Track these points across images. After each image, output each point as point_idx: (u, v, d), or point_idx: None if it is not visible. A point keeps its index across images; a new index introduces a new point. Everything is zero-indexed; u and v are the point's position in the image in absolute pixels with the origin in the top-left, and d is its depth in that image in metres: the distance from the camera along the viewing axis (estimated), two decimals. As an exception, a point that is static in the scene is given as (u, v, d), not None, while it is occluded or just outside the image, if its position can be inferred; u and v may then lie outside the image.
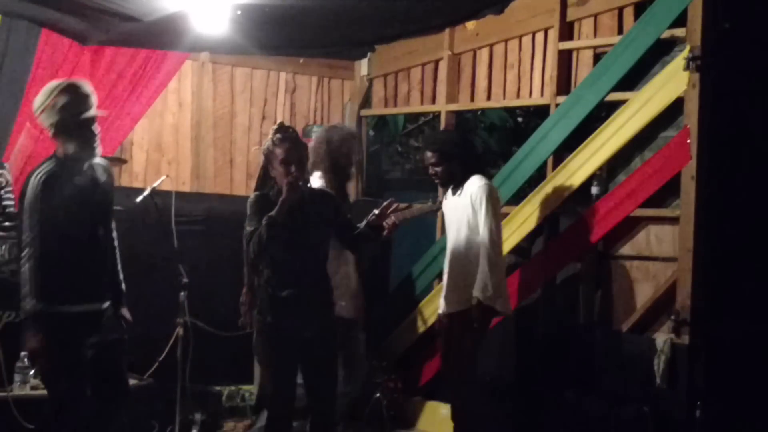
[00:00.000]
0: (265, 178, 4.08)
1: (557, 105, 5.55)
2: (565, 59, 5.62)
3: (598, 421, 4.84)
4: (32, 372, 4.57)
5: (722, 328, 4.77)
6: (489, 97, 6.13)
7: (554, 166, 5.52)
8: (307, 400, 4.17)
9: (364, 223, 4.04)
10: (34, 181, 3.76)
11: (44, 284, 3.72)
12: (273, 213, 3.81)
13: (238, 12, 4.96)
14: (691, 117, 4.86)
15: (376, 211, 3.98)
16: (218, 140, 6.54)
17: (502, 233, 4.93)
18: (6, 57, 5.42)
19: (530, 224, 5.55)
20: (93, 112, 3.91)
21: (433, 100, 6.47)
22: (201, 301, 5.01)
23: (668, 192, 5.04)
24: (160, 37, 5.57)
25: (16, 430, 4.30)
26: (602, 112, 5.61)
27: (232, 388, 5.74)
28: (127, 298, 4.15)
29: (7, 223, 4.84)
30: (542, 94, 5.74)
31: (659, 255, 5.14)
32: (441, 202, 5.16)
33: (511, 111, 7.77)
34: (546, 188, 5.48)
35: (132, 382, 4.92)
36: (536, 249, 5.77)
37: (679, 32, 4.98)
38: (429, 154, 4.88)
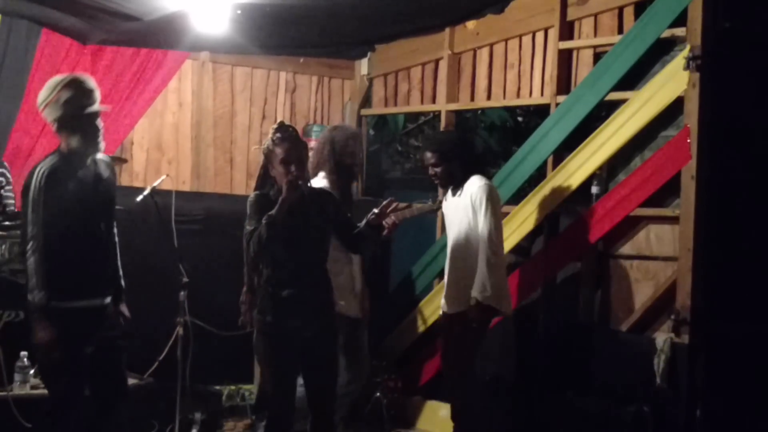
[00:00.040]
0: (265, 178, 4.08)
1: (557, 104, 5.55)
2: (565, 59, 5.63)
3: (598, 420, 4.84)
4: (32, 371, 4.57)
5: (722, 327, 4.76)
6: (489, 97, 6.13)
7: (554, 166, 5.52)
8: (307, 400, 4.17)
9: (363, 222, 4.03)
10: (37, 175, 3.77)
11: (47, 279, 3.73)
12: (273, 212, 3.81)
13: (239, 11, 4.96)
14: (691, 116, 4.86)
15: (375, 211, 3.98)
16: (218, 140, 6.54)
17: (503, 233, 4.93)
18: (6, 56, 5.43)
19: (530, 223, 5.55)
20: (97, 106, 3.92)
21: (434, 100, 6.47)
22: (201, 301, 5.00)
23: (668, 191, 5.04)
24: (160, 37, 5.57)
25: (16, 430, 4.30)
26: (602, 111, 5.61)
27: (232, 387, 5.74)
28: (127, 297, 4.15)
29: (7, 223, 4.83)
30: (542, 94, 5.74)
31: (659, 254, 5.14)
32: (441, 202, 5.16)
33: (511, 110, 7.77)
34: (546, 188, 5.49)
35: (132, 381, 4.92)
36: (536, 248, 5.77)
37: (680, 32, 4.98)
38: (429, 154, 4.88)
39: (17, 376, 4.54)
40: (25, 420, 4.30)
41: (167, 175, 5.02)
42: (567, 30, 5.62)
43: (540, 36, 5.78)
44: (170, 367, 4.77)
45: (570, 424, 4.96)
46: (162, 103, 6.29)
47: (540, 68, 5.77)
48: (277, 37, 5.86)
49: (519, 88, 5.93)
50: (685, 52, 4.84)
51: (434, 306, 5.88)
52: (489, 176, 5.07)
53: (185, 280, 4.66)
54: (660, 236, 5.15)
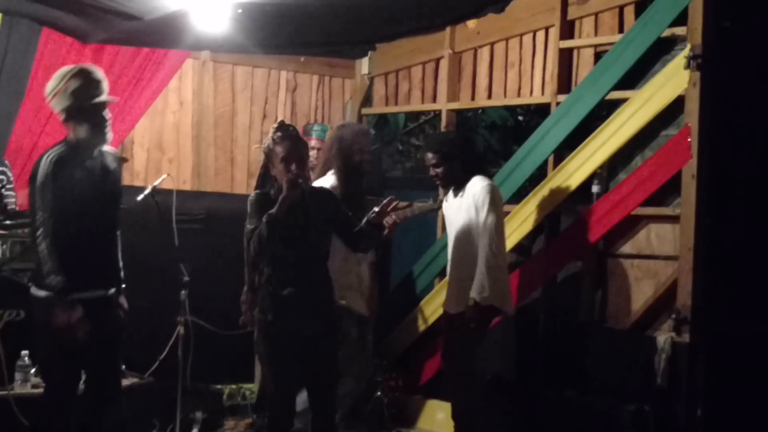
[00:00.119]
0: (265, 177, 4.09)
1: (558, 104, 5.55)
2: (565, 58, 5.62)
3: (599, 419, 4.84)
4: (33, 370, 4.57)
5: (723, 326, 4.77)
6: (490, 96, 6.13)
7: (555, 165, 5.52)
8: (308, 399, 4.17)
9: (364, 221, 4.03)
10: (45, 162, 3.79)
11: (61, 262, 3.75)
12: (273, 211, 3.81)
13: (239, 11, 4.96)
14: (691, 115, 4.86)
15: (376, 209, 3.97)
16: (219, 139, 6.54)
17: (505, 233, 4.93)
18: (7, 55, 5.43)
19: (531, 223, 5.55)
20: (104, 97, 3.94)
21: (434, 99, 6.47)
22: (202, 300, 5.01)
23: (669, 190, 5.04)
24: (161, 36, 5.57)
25: (17, 429, 4.30)
26: (603, 110, 5.60)
27: (233, 386, 5.75)
28: (129, 297, 4.17)
29: (7, 222, 4.84)
30: (543, 93, 5.74)
31: (660, 254, 5.14)
32: (441, 201, 5.16)
33: (511, 109, 7.77)
34: (547, 187, 5.48)
35: (133, 380, 4.95)
36: (537, 248, 5.77)
37: (680, 31, 4.98)
38: (430, 155, 4.88)
39: (18, 375, 4.54)
40: (27, 419, 4.30)
41: (168, 175, 5.02)
42: (568, 29, 5.62)
43: (541, 35, 5.78)
44: (171, 366, 4.78)
45: (570, 423, 4.96)
46: (163, 103, 6.29)
47: (541, 67, 5.77)
48: (277, 36, 5.85)
49: (520, 87, 5.93)
50: (686, 51, 4.84)
51: (435, 305, 5.88)
52: (490, 176, 5.07)
53: (186, 279, 4.66)
54: (661, 235, 5.15)
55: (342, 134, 5.00)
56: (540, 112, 6.62)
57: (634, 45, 5.14)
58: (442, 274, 5.87)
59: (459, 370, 4.85)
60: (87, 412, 4.00)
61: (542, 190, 5.50)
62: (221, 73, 6.55)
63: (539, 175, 5.82)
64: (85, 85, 3.89)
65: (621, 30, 5.36)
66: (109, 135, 3.98)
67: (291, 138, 3.97)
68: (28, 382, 4.54)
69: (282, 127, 4.01)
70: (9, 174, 5.20)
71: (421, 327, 6.09)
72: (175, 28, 5.20)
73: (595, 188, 5.38)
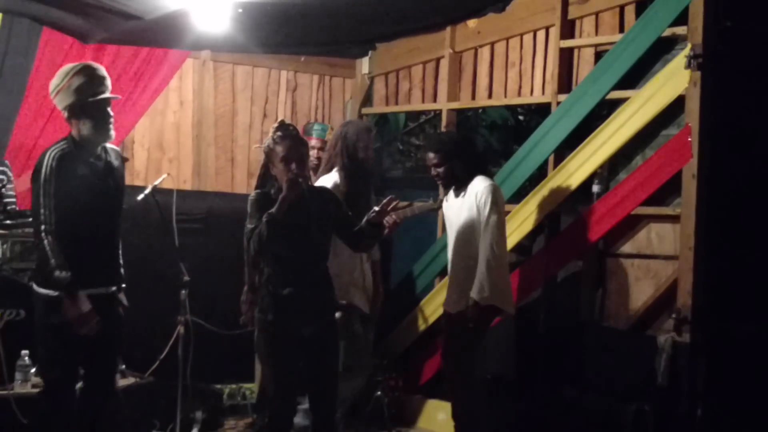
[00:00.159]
0: (265, 176, 4.08)
1: (558, 103, 5.54)
2: (566, 57, 5.62)
3: (599, 419, 4.83)
4: (33, 370, 4.57)
5: (723, 326, 4.77)
6: (490, 96, 6.12)
7: (555, 165, 5.52)
8: (309, 398, 4.17)
9: (364, 220, 4.03)
10: (48, 159, 3.80)
11: (65, 257, 3.75)
12: (273, 210, 3.82)
13: (240, 10, 4.96)
14: (692, 115, 4.85)
15: (376, 209, 3.98)
16: (219, 138, 6.54)
17: (506, 233, 4.93)
18: (7, 55, 5.43)
19: (531, 222, 5.55)
20: (108, 94, 3.94)
21: (435, 99, 6.47)
22: (202, 299, 5.01)
23: (669, 190, 5.03)
24: (161, 36, 5.57)
25: (17, 429, 4.30)
26: (603, 110, 5.60)
27: (233, 386, 5.75)
28: (129, 297, 4.18)
29: (8, 221, 4.84)
30: (543, 93, 5.74)
31: (660, 253, 5.13)
32: (441, 201, 5.16)
33: (512, 109, 7.75)
34: (547, 186, 5.48)
35: (133, 380, 4.95)
36: (537, 247, 5.77)
37: (681, 30, 4.97)
38: (431, 155, 4.88)
39: (18, 375, 4.54)
40: (27, 418, 4.30)
41: (168, 174, 5.02)
42: (568, 29, 5.62)
43: (541, 35, 5.78)
44: (171, 365, 4.77)
45: (571, 422, 4.96)
46: (163, 102, 6.29)
47: (541, 67, 5.77)
48: (278, 35, 5.86)
49: (520, 87, 5.92)
50: (686, 50, 4.84)
51: (435, 305, 5.88)
52: (491, 176, 5.07)
53: (186, 278, 4.66)
54: (661, 235, 5.15)
55: (346, 131, 5.01)
56: (540, 111, 6.61)
57: (634, 44, 5.13)
58: (442, 273, 5.87)
59: (459, 369, 4.85)
60: (85, 409, 4.00)
61: (542, 190, 5.50)
62: (221, 73, 6.55)
63: (539, 174, 5.81)
64: (88, 82, 3.91)
65: (621, 29, 5.36)
66: (113, 132, 3.99)
67: (291, 137, 3.97)
68: (28, 382, 4.54)
69: (282, 126, 4.01)
70: (9, 174, 5.20)
71: (422, 327, 6.09)
72: (176, 27, 5.20)
73: (595, 188, 5.38)
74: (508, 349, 5.55)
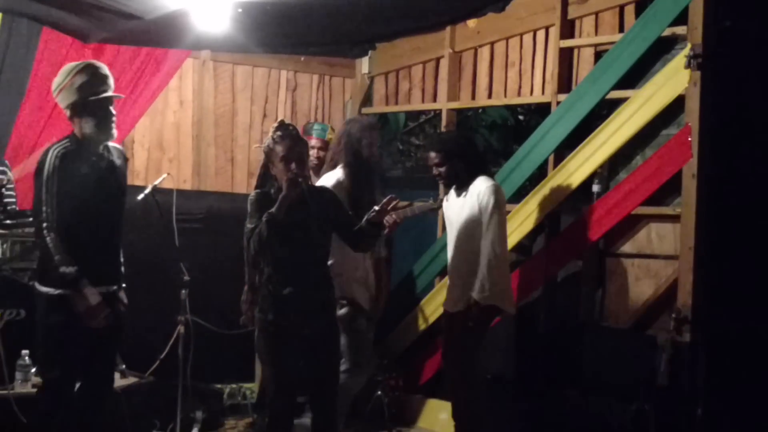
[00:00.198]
0: (265, 176, 4.08)
1: (558, 103, 5.54)
2: (566, 57, 5.62)
3: (599, 419, 4.83)
4: (33, 370, 4.58)
5: (723, 326, 4.77)
6: (490, 95, 6.12)
7: (555, 165, 5.52)
8: (309, 398, 4.18)
9: (364, 220, 4.03)
10: (50, 157, 3.81)
11: (69, 252, 3.76)
12: (273, 210, 3.82)
13: (240, 10, 4.96)
14: (692, 115, 4.86)
15: (376, 208, 3.98)
16: (219, 138, 6.54)
17: (507, 233, 4.94)
18: (7, 55, 5.43)
19: (531, 222, 5.55)
20: (111, 92, 3.95)
21: (434, 98, 6.47)
22: (202, 299, 5.01)
23: (669, 190, 5.03)
24: (161, 35, 5.57)
25: (17, 429, 4.31)
26: (603, 110, 5.60)
27: (234, 386, 5.75)
28: (129, 297, 4.17)
29: (8, 221, 4.84)
30: (543, 92, 5.74)
31: (660, 253, 5.14)
32: (441, 201, 5.16)
33: (512, 109, 7.76)
34: (547, 186, 5.48)
35: (133, 380, 4.95)
36: (537, 247, 5.77)
37: (680, 30, 4.97)
38: (433, 154, 4.88)
39: (18, 375, 4.55)
40: (27, 418, 4.31)
41: (168, 174, 5.03)
42: (568, 28, 5.62)
43: (541, 34, 5.78)
44: (171, 365, 4.78)
45: (571, 422, 4.96)
46: (163, 102, 6.29)
47: (541, 67, 5.77)
48: (277, 35, 5.85)
49: (520, 87, 5.92)
50: (686, 50, 4.84)
51: (435, 305, 5.88)
52: (492, 176, 5.07)
53: (186, 278, 4.66)
54: (661, 235, 5.15)
55: (350, 128, 5.00)
56: (540, 111, 6.62)
57: (634, 44, 5.13)
58: (442, 273, 5.87)
59: (460, 369, 4.85)
60: (83, 408, 4.01)
61: (542, 190, 5.50)
62: (221, 73, 6.55)
63: (539, 174, 5.82)
64: (91, 81, 3.91)
65: (621, 29, 5.36)
66: (115, 131, 3.99)
67: (291, 137, 3.97)
68: (28, 382, 4.55)
69: (282, 126, 4.01)
70: (9, 173, 5.20)
71: (422, 326, 6.09)
72: (176, 27, 5.20)
73: (595, 187, 5.38)
74: (508, 349, 5.54)
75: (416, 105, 6.73)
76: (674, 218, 5.00)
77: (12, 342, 4.49)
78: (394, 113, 7.41)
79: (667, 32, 5.03)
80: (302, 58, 6.76)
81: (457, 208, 4.84)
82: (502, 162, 6.19)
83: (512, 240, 5.51)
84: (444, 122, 6.32)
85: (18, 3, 5.11)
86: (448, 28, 6.22)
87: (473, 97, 6.23)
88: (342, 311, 4.71)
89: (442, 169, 4.84)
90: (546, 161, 5.60)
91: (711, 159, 4.84)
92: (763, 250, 4.82)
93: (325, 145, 5.71)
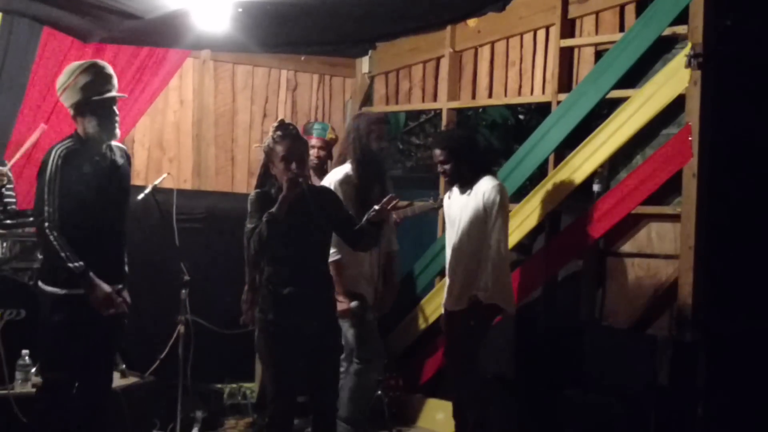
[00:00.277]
0: (265, 176, 4.08)
1: (558, 102, 5.54)
2: (566, 57, 5.62)
3: (599, 418, 4.83)
4: (33, 370, 4.58)
5: (724, 325, 4.77)
6: (490, 95, 6.12)
7: (555, 164, 5.52)
8: (309, 398, 4.18)
9: (364, 219, 4.03)
10: (53, 156, 3.82)
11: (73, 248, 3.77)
12: (273, 210, 3.82)
13: (240, 10, 4.96)
14: (692, 114, 4.85)
15: (376, 208, 3.97)
16: (219, 138, 6.54)
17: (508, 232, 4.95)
18: (7, 55, 5.43)
19: (532, 222, 5.55)
20: (114, 92, 3.95)
21: (435, 98, 6.47)
22: (202, 299, 5.01)
23: (670, 189, 5.03)
24: (161, 35, 5.57)
25: (17, 429, 4.31)
26: (604, 109, 5.60)
27: (234, 385, 5.75)
28: (129, 296, 4.17)
29: (8, 221, 4.84)
30: (543, 92, 5.74)
31: (660, 252, 5.13)
32: (442, 200, 5.16)
33: (512, 108, 7.76)
34: (547, 186, 5.48)
35: (133, 380, 4.95)
36: (537, 246, 5.77)
37: (681, 29, 4.97)
38: (438, 151, 4.87)
39: (18, 375, 4.54)
40: (27, 418, 4.31)
41: (168, 174, 5.03)
42: (568, 28, 5.61)
43: (541, 34, 5.77)
44: (171, 365, 4.78)
45: (571, 422, 4.96)
46: (163, 102, 6.29)
47: (541, 66, 5.77)
48: (278, 35, 5.85)
49: (520, 86, 5.92)
50: (687, 49, 4.84)
51: (435, 304, 5.88)
52: (496, 175, 5.06)
53: (186, 278, 4.66)
54: (661, 234, 5.15)
55: (358, 123, 4.99)
56: (541, 110, 6.62)
57: (634, 44, 5.13)
58: (442, 273, 5.86)
59: (462, 368, 4.85)
60: (83, 407, 4.01)
61: (543, 189, 5.50)
62: (222, 72, 6.55)
63: (540, 174, 5.81)
64: (94, 80, 3.92)
65: (622, 29, 5.35)
66: (118, 131, 4.00)
67: (291, 137, 3.97)
68: (28, 382, 4.54)
69: (282, 126, 4.01)
70: (9, 174, 5.20)
71: (422, 326, 6.09)
72: (176, 27, 5.20)
73: (595, 187, 5.38)
74: (508, 348, 5.54)
75: (416, 104, 6.72)
76: (675, 218, 5.00)
77: (12, 342, 4.49)
78: (394, 113, 7.40)
79: (668, 32, 5.03)
80: (302, 58, 6.76)
81: (461, 206, 4.84)
82: (503, 161, 6.19)
83: (513, 239, 5.50)
84: (444, 122, 6.32)
85: (18, 3, 5.10)
86: (449, 28, 6.22)
87: (473, 97, 6.23)
88: (354, 303, 4.72)
89: (447, 167, 4.84)
90: (546, 161, 5.60)
91: (711, 158, 4.83)
92: (764, 250, 4.82)
93: (325, 145, 5.70)
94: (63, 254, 3.75)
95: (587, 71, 5.45)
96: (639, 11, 5.25)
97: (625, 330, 5.16)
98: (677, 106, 4.97)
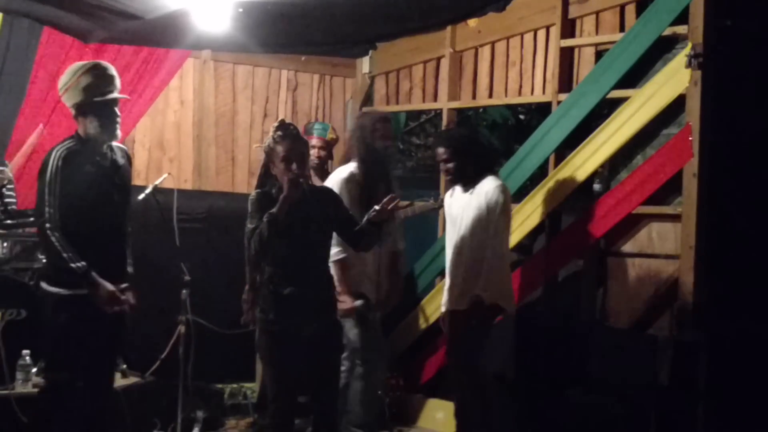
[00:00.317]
0: (266, 176, 4.08)
1: (559, 102, 5.54)
2: (566, 57, 5.62)
3: (600, 418, 4.83)
4: (34, 370, 4.58)
5: (724, 325, 4.77)
6: (491, 95, 6.12)
7: (556, 164, 5.52)
8: (310, 398, 4.17)
9: (365, 219, 4.03)
10: (54, 157, 3.82)
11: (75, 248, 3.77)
12: (274, 210, 3.81)
13: (240, 10, 4.96)
14: (692, 114, 4.85)
15: (377, 208, 3.97)
16: (220, 138, 6.54)
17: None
18: (7, 55, 5.44)
19: (532, 222, 5.55)
20: (116, 94, 3.95)
21: (435, 98, 6.47)
22: (203, 299, 5.01)
23: (670, 189, 5.03)
24: (162, 35, 5.57)
25: (18, 429, 4.31)
26: (604, 109, 5.60)
27: (234, 385, 5.75)
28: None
29: (8, 221, 4.84)
30: (544, 92, 5.74)
31: (661, 252, 5.13)
32: (442, 200, 5.15)
33: (512, 108, 7.76)
34: (548, 186, 5.48)
35: (134, 380, 4.95)
36: (538, 246, 5.77)
37: (681, 29, 4.97)
38: (441, 150, 4.87)
39: (19, 375, 4.54)
40: (27, 418, 4.31)
41: (169, 174, 5.03)
42: (569, 28, 5.62)
43: (542, 34, 5.78)
44: (172, 365, 4.78)
45: (571, 422, 4.96)
46: (163, 102, 6.29)
47: (542, 66, 5.77)
48: (278, 35, 5.85)
49: (521, 86, 5.92)
50: (687, 49, 4.84)
51: (436, 304, 5.87)
52: (498, 175, 5.06)
53: (187, 278, 4.66)
54: (662, 234, 5.15)
55: (363, 122, 5.00)
56: (541, 110, 6.62)
57: (635, 44, 5.13)
58: (442, 273, 5.85)
59: (464, 367, 4.85)
60: (85, 407, 4.01)
61: (543, 189, 5.50)
62: (222, 72, 6.55)
63: (540, 174, 5.81)
64: (97, 81, 3.92)
65: (622, 29, 5.35)
66: (119, 132, 4.00)
67: (292, 137, 3.97)
68: (29, 382, 4.54)
69: (283, 126, 4.01)
70: (10, 174, 5.20)
71: (422, 326, 6.09)
72: (176, 27, 5.20)
73: (596, 187, 5.38)
74: (508, 348, 5.54)
75: (417, 105, 6.73)
76: (675, 217, 5.00)
77: (13, 342, 4.49)
78: (394, 113, 7.39)
79: (668, 31, 5.03)
80: (303, 58, 6.76)
81: (462, 205, 4.83)
82: (503, 161, 6.20)
83: (513, 239, 5.49)
84: (445, 122, 6.32)
85: (18, 3, 5.10)
86: (449, 28, 6.22)
87: (474, 97, 6.23)
88: (358, 302, 4.72)
89: (450, 165, 4.83)
90: (547, 161, 5.60)
91: (712, 158, 4.83)
92: (764, 250, 4.82)
93: (326, 145, 5.70)
94: (65, 255, 3.75)
95: (587, 71, 5.45)
96: (639, 11, 5.25)
97: (626, 330, 5.16)
98: (678, 106, 4.97)
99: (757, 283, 4.79)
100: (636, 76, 5.24)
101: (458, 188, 4.89)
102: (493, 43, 6.07)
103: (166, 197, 4.88)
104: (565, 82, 5.59)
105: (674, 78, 4.93)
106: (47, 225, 3.77)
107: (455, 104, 6.30)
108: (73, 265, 3.75)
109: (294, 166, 3.89)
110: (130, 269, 4.18)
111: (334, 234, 4.19)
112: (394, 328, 6.19)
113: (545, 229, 5.59)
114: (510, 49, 5.98)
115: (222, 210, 5.95)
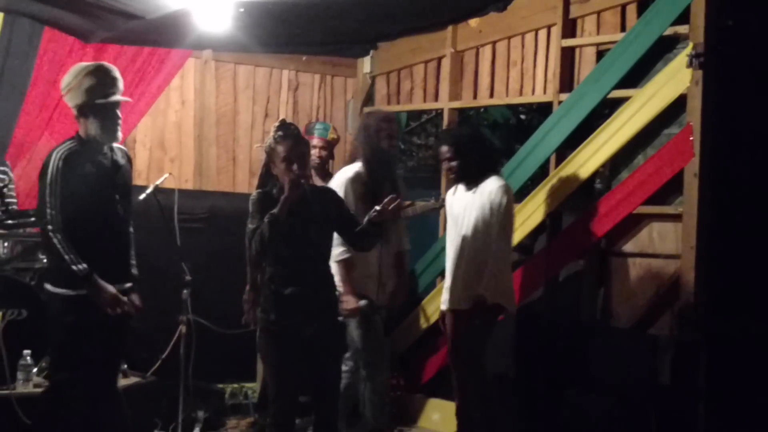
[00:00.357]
0: (267, 176, 4.08)
1: (560, 102, 5.54)
2: (567, 56, 5.61)
3: (601, 418, 4.83)
4: (35, 370, 4.58)
5: (725, 325, 4.76)
6: (492, 95, 6.12)
7: (557, 164, 5.52)
8: (311, 398, 4.18)
9: (366, 219, 4.03)
10: (54, 158, 3.82)
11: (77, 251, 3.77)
12: (275, 210, 3.81)
13: (241, 10, 4.96)
14: (694, 114, 4.85)
15: (377, 208, 3.97)
16: (221, 138, 6.55)
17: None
18: (8, 55, 5.44)
19: (533, 221, 5.55)
20: (118, 96, 3.95)
21: (436, 98, 6.47)
22: (204, 299, 5.01)
23: (671, 189, 5.03)
24: (163, 35, 5.57)
25: (19, 429, 4.31)
26: (605, 109, 5.59)
27: (235, 385, 5.75)
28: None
29: (9, 222, 4.84)
30: (545, 92, 5.74)
31: (662, 252, 5.13)
32: (444, 200, 5.15)
33: (513, 108, 7.76)
34: (549, 185, 5.48)
35: (135, 380, 4.95)
36: (539, 246, 5.77)
37: (682, 29, 4.97)
38: (445, 148, 4.87)
39: (20, 375, 4.54)
40: (28, 418, 4.31)
41: (170, 174, 5.03)
42: (570, 28, 5.61)
43: (543, 34, 5.77)
44: (173, 365, 4.78)
45: (572, 422, 4.96)
46: (164, 102, 6.29)
47: (543, 66, 5.77)
48: (279, 35, 5.85)
49: (522, 86, 5.92)
50: (688, 49, 4.83)
51: (436, 304, 5.86)
52: (502, 175, 5.05)
53: (188, 278, 4.66)
54: (663, 234, 5.14)
55: (367, 122, 5.00)
56: (542, 110, 6.62)
57: (636, 43, 5.13)
58: (443, 273, 5.85)
59: (467, 367, 4.85)
60: (88, 408, 4.01)
61: (544, 189, 5.50)
62: (223, 72, 6.55)
63: (541, 173, 5.81)
64: (99, 83, 3.92)
65: (623, 28, 5.35)
66: (120, 134, 4.00)
67: (292, 137, 3.97)
68: (30, 382, 4.55)
69: (283, 126, 4.01)
70: (10, 174, 5.21)
71: (423, 326, 6.09)
72: (177, 27, 5.20)
73: (597, 186, 5.37)
74: (508, 348, 5.54)
75: (418, 104, 6.73)
76: (676, 217, 4.99)
77: (14, 342, 4.49)
78: (395, 113, 7.40)
79: (669, 31, 5.03)
80: (304, 58, 6.76)
81: (465, 204, 4.83)
82: (504, 161, 6.19)
83: (514, 239, 5.50)
84: (446, 122, 6.32)
85: (19, 3, 5.11)
86: (450, 28, 6.22)
87: (475, 97, 6.23)
88: (363, 302, 4.73)
89: (454, 164, 4.83)
90: (548, 160, 5.60)
91: (712, 158, 4.83)
92: (765, 249, 4.81)
93: (327, 145, 5.70)
94: (67, 257, 3.75)
95: (589, 71, 5.45)
96: (640, 11, 5.25)
97: (627, 330, 5.16)
98: (679, 105, 4.97)
99: (757, 283, 4.78)
100: (637, 75, 5.24)
101: (461, 187, 4.89)
102: (494, 43, 6.07)
103: (167, 197, 4.88)
104: (566, 82, 5.59)
105: (675, 78, 4.93)
106: (49, 227, 3.76)
107: (456, 104, 6.30)
108: (74, 267, 3.75)
109: (295, 166, 3.89)
110: (134, 271, 4.17)
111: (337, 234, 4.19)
112: (395, 328, 6.19)
113: (546, 228, 5.59)
114: (511, 48, 5.98)
115: (223, 210, 5.95)
